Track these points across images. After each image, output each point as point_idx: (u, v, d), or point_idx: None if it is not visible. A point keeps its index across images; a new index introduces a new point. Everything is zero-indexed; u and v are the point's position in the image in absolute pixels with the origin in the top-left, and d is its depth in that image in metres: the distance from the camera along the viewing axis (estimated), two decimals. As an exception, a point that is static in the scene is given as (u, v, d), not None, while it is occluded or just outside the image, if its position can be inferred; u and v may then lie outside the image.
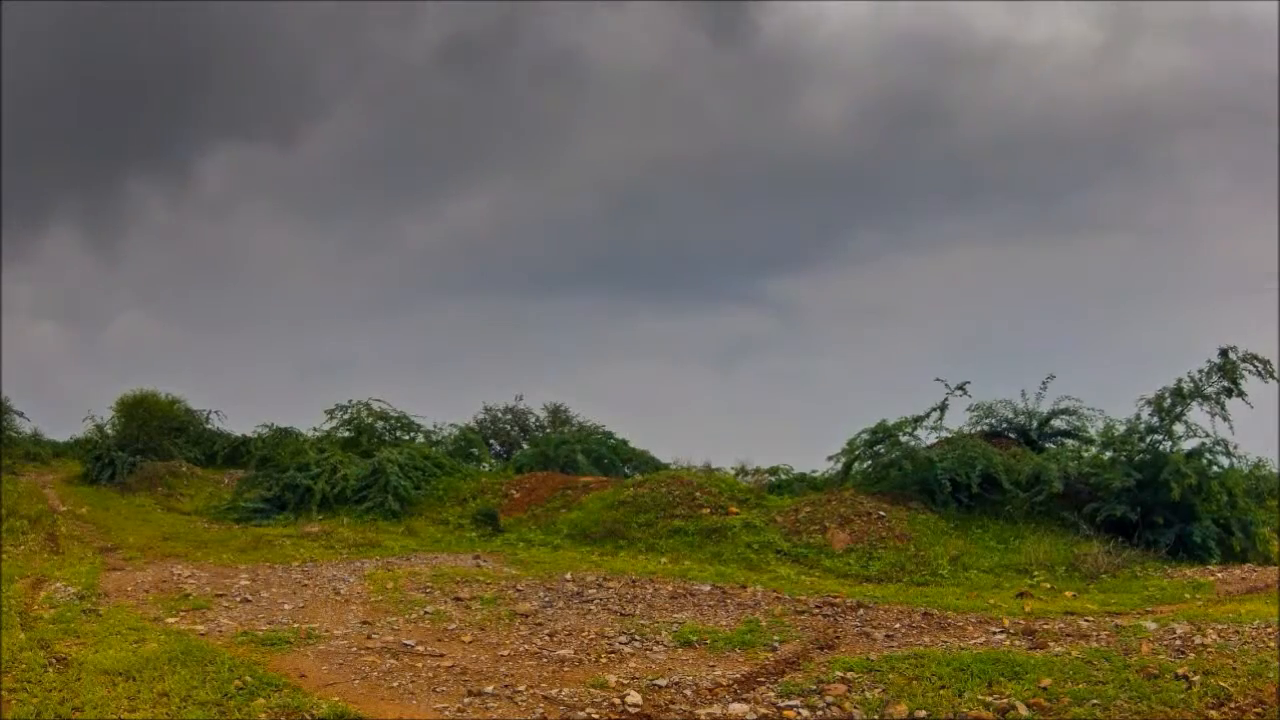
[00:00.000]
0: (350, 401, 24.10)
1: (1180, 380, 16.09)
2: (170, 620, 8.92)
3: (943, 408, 17.09)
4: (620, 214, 51.38)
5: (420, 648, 7.95)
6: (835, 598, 10.64)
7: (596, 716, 6.12)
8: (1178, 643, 7.84)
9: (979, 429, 18.15)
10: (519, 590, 10.95)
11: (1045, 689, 6.45)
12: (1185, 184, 49.54)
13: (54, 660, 7.09)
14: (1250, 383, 15.72)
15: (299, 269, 54.31)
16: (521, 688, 6.70)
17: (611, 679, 6.93)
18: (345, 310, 53.88)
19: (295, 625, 8.74)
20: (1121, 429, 16.57)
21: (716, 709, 6.31)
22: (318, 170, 52.24)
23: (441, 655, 7.70)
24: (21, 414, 29.29)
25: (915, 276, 51.88)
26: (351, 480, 19.51)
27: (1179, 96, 47.40)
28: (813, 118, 49.61)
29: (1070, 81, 48.90)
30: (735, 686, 6.83)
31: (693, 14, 49.42)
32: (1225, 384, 15.77)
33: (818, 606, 10.02)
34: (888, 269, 51.51)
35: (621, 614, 9.69)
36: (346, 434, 23.56)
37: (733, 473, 20.98)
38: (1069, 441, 18.03)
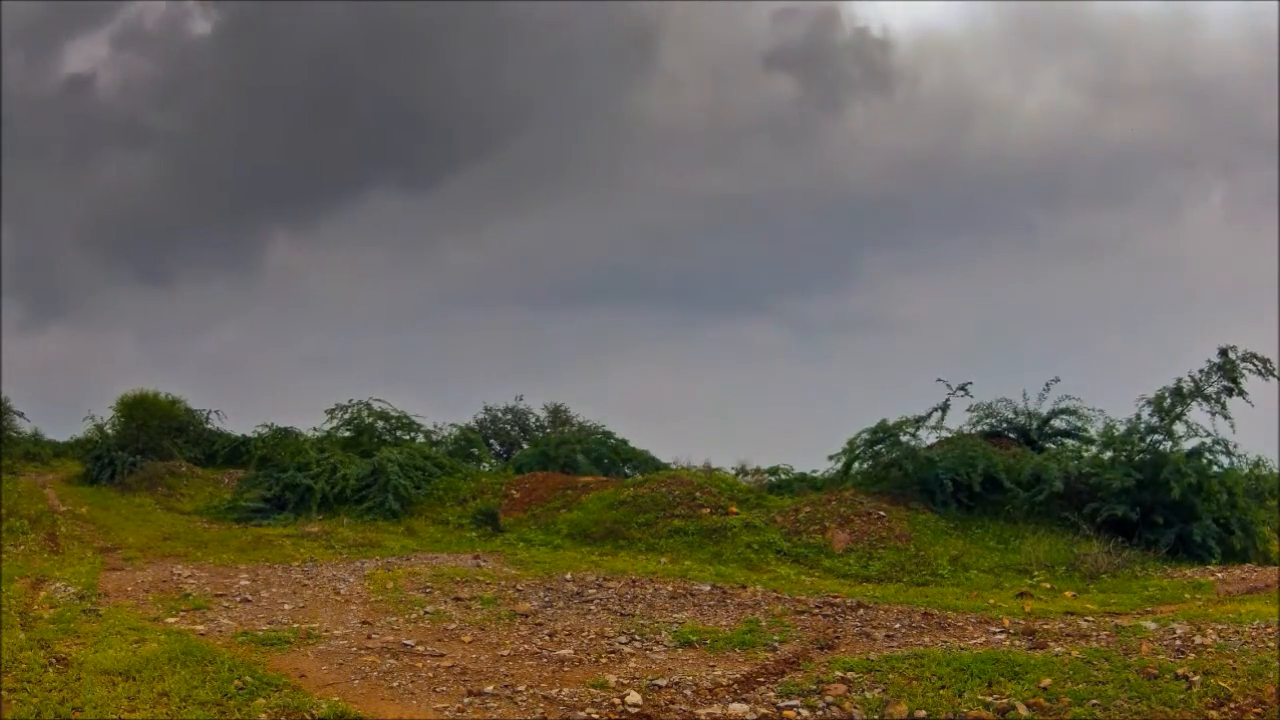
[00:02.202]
0: (350, 401, 24.11)
1: (1180, 380, 16.12)
2: (170, 620, 8.91)
3: (944, 408, 17.11)
4: (657, 242, 57.74)
5: (420, 648, 7.95)
6: (835, 598, 10.64)
7: (596, 716, 6.12)
8: (1178, 643, 7.84)
9: (979, 429, 18.15)
10: (519, 590, 10.95)
11: (1045, 689, 6.45)
12: (1177, 215, 56.19)
13: (54, 660, 7.09)
14: (1250, 382, 15.75)
15: (371, 289, 60.76)
16: (521, 688, 6.70)
17: (611, 679, 6.93)
18: (400, 322, 59.74)
19: (295, 625, 8.74)
20: (1122, 429, 16.56)
21: (716, 709, 6.30)
22: (426, 212, 59.03)
23: (441, 655, 7.70)
24: (22, 414, 29.32)
25: (919, 292, 57.55)
26: (351, 480, 19.50)
27: (1161, 146, 54.59)
28: (837, 161, 56.37)
29: (1065, 135, 56.29)
30: (735, 686, 6.83)
31: (743, 75, 56.64)
32: (1225, 383, 15.78)
33: (818, 606, 10.02)
34: (894, 286, 57.31)
35: (621, 614, 9.69)
36: (346, 434, 23.55)
37: (733, 473, 20.99)
38: (1069, 441, 18.02)
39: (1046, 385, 17.99)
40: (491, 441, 27.70)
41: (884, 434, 17.26)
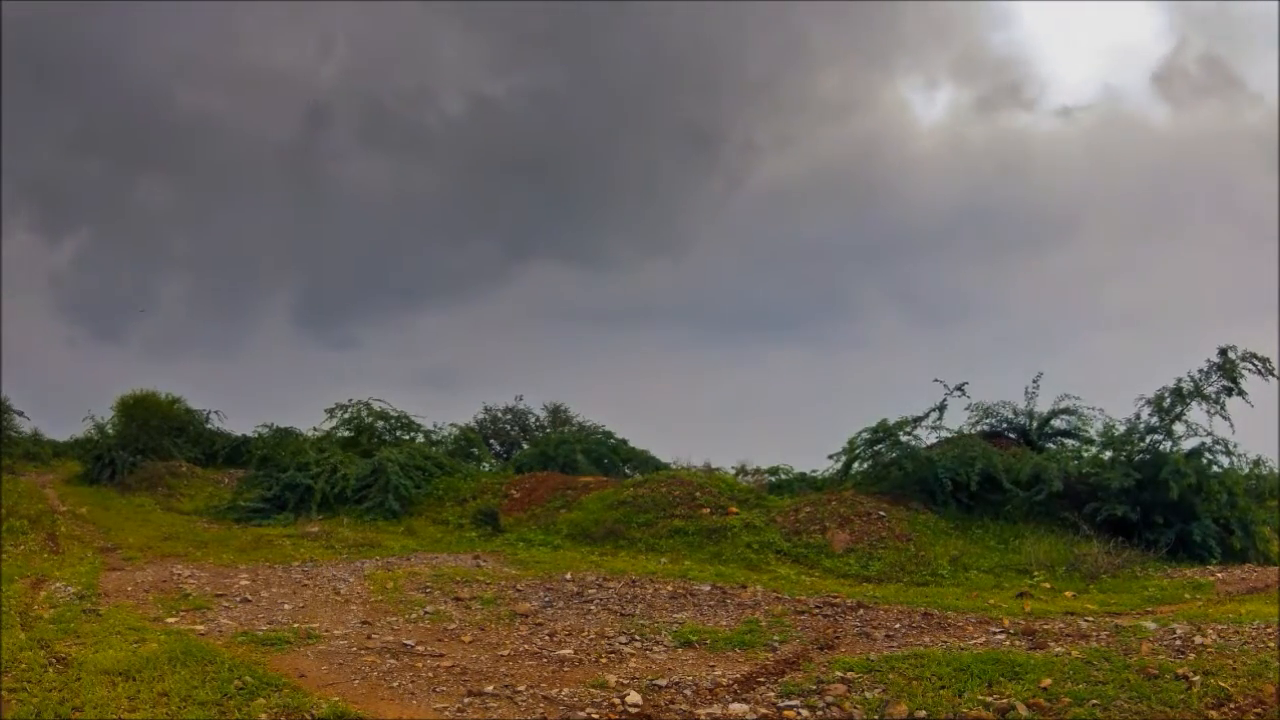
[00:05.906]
0: (350, 401, 24.15)
1: (1180, 380, 16.10)
2: (170, 620, 8.92)
3: (941, 407, 17.10)
4: (705, 282, 65.27)
5: (420, 648, 7.95)
6: (835, 598, 10.64)
7: (596, 716, 6.12)
8: (1178, 643, 7.84)
9: (979, 429, 18.14)
10: (519, 590, 10.95)
11: (1045, 689, 6.45)
12: (1175, 246, 59.72)
13: (54, 660, 7.09)
14: (1250, 382, 15.75)
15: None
16: (521, 688, 6.70)
17: (611, 679, 6.93)
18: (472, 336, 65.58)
19: (295, 625, 8.75)
20: (1121, 429, 16.56)
21: (716, 709, 6.31)
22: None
23: (441, 655, 7.71)
24: (22, 414, 29.36)
25: (924, 306, 62.32)
26: (351, 480, 19.51)
27: (1163, 201, 59.53)
28: (878, 219, 62.79)
29: (1067, 184, 60.86)
30: (735, 686, 6.83)
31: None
32: (1225, 383, 15.77)
33: (818, 606, 10.02)
34: (898, 304, 62.42)
35: (621, 614, 9.69)
36: (346, 434, 23.57)
37: (733, 473, 20.98)
38: (1069, 441, 18.02)
39: (1035, 381, 18.06)
40: (491, 441, 27.71)
41: (884, 433, 17.25)
